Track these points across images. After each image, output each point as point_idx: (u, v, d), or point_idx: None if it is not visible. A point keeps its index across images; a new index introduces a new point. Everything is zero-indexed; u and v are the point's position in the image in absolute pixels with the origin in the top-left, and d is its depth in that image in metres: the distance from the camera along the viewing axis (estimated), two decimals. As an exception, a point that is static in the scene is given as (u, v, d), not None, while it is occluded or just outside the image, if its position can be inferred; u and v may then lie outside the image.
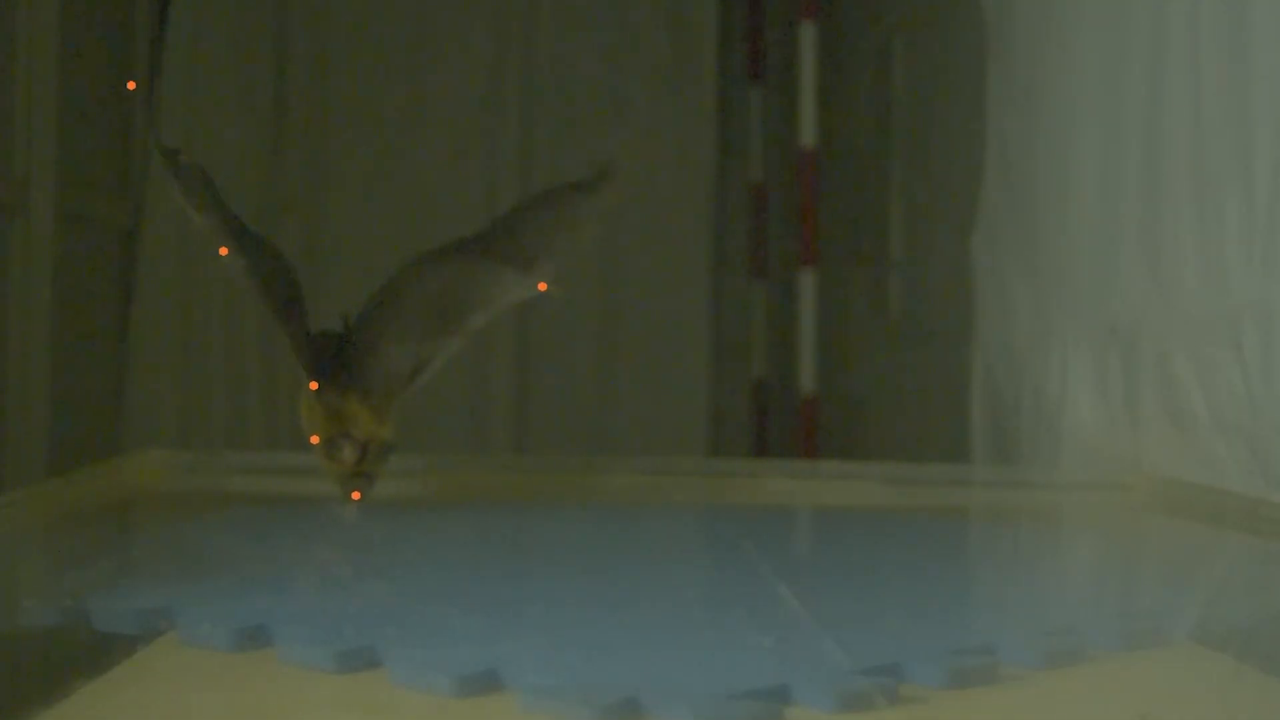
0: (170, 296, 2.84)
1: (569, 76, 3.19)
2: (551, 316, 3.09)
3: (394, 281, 1.19)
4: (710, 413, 3.32)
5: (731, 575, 1.10)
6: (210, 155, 2.90)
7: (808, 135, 2.82)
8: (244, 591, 0.94)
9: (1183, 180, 1.55)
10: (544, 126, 3.17)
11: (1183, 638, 0.88)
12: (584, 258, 3.13)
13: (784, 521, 1.48)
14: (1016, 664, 0.79)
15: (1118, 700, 0.76)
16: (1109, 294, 1.76)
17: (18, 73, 2.25)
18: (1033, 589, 1.10)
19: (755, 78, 3.46)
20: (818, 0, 2.89)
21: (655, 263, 3.17)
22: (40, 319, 2.31)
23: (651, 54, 3.21)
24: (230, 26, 2.95)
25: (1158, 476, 1.54)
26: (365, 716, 0.70)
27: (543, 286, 1.17)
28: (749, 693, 0.70)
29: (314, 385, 1.14)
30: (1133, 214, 1.68)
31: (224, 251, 1.15)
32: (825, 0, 3.00)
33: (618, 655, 0.78)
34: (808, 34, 2.85)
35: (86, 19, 2.51)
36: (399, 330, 1.16)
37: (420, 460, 1.65)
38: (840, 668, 0.75)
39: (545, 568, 1.12)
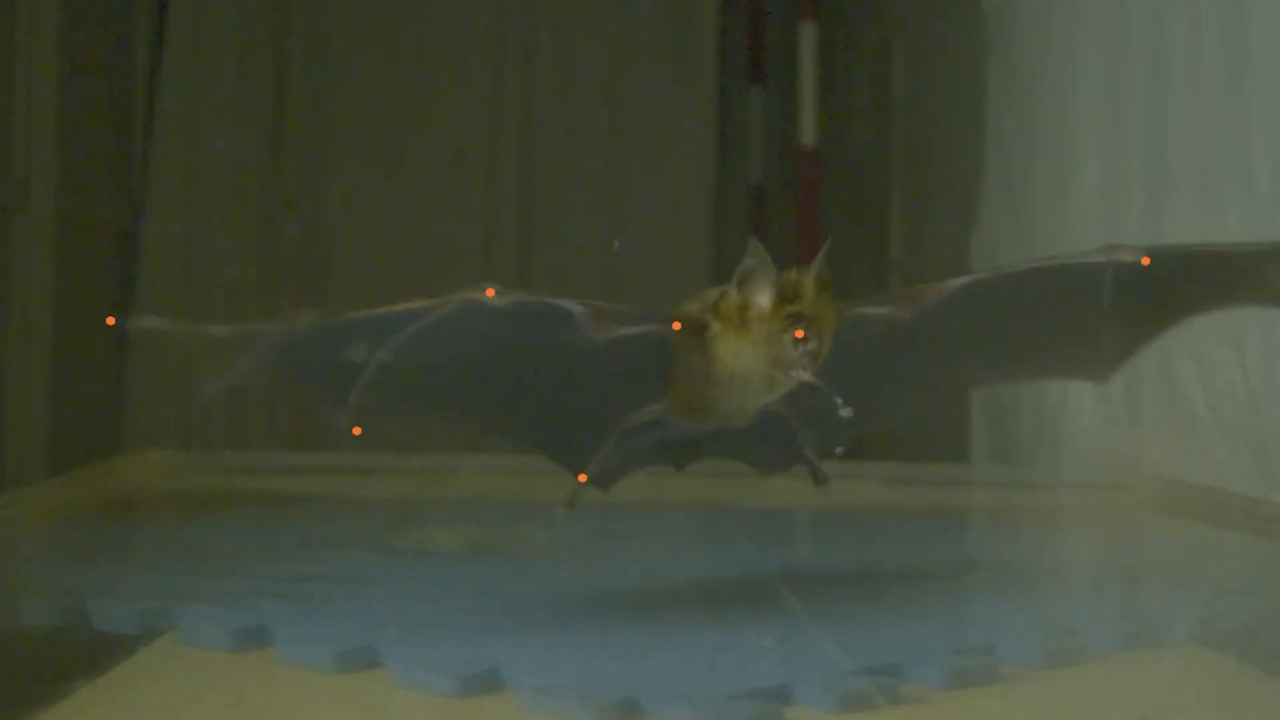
0: (170, 296, 2.84)
1: (569, 76, 3.18)
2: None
3: None
4: (710, 413, 3.32)
5: (731, 575, 1.10)
6: (210, 155, 2.90)
7: (808, 135, 2.82)
8: (244, 591, 0.94)
9: (1183, 179, 1.55)
10: (544, 127, 3.17)
11: (1183, 638, 0.88)
12: (583, 258, 3.14)
13: (784, 522, 1.48)
14: (1016, 664, 0.79)
15: (1118, 700, 0.76)
16: (1109, 293, 1.76)
17: (18, 73, 2.25)
18: (1033, 589, 1.10)
19: (755, 78, 3.46)
20: (818, 0, 2.89)
21: (655, 262, 3.16)
22: (40, 319, 2.31)
23: (651, 54, 3.21)
24: (230, 27, 2.95)
25: (1158, 476, 1.54)
26: (365, 716, 0.70)
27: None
28: (749, 693, 0.70)
29: (676, 326, 0.90)
30: (1133, 213, 1.68)
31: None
32: (825, 0, 3.00)
33: (618, 655, 0.78)
34: (808, 34, 2.84)
35: (86, 19, 2.51)
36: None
37: (420, 460, 1.65)
38: (840, 668, 0.75)
39: (545, 568, 1.12)
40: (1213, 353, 1.47)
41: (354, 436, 0.88)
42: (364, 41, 3.08)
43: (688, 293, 1.03)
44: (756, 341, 0.86)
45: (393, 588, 1.01)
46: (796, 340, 0.85)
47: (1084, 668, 0.80)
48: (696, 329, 0.89)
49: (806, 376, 0.85)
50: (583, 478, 0.92)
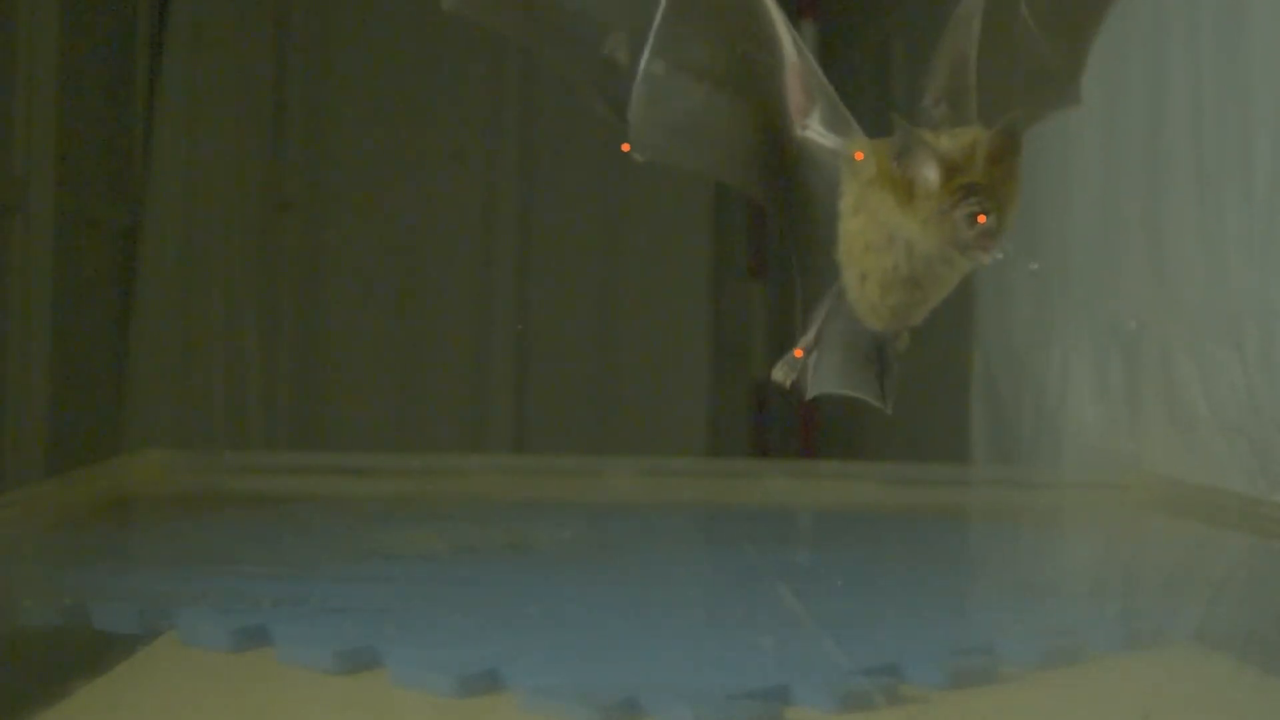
0: (170, 296, 2.84)
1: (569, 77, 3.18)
2: (551, 315, 3.09)
3: None
4: (710, 413, 3.32)
5: (731, 575, 1.10)
6: (210, 155, 2.90)
7: (808, 135, 2.82)
8: (244, 591, 0.94)
9: (1184, 178, 1.55)
10: (545, 126, 3.17)
11: (1183, 638, 0.88)
12: (582, 258, 3.14)
13: (784, 521, 1.48)
14: (1016, 664, 0.79)
15: (1118, 700, 0.76)
16: (1110, 293, 1.76)
17: (18, 73, 2.25)
18: (1033, 589, 1.10)
19: (755, 78, 3.46)
20: (817, 0, 2.89)
21: (655, 262, 3.16)
22: (40, 319, 2.31)
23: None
24: (230, 26, 2.95)
25: (1158, 476, 1.54)
26: (365, 716, 0.70)
27: None
28: (749, 693, 0.70)
29: (859, 156, 0.80)
30: (1134, 212, 1.68)
31: None
32: (825, 0, 3.00)
33: (618, 655, 0.78)
34: (808, 34, 2.85)
35: (86, 19, 2.51)
36: None
37: (420, 460, 1.65)
38: (840, 668, 0.75)
39: (545, 568, 1.12)
40: (1213, 353, 1.47)
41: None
42: (364, 41, 3.09)
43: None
44: (927, 221, 0.74)
45: (393, 588, 1.01)
46: (973, 222, 0.72)
47: (1084, 668, 0.80)
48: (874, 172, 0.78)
49: (988, 260, 0.73)
50: (799, 352, 0.84)
